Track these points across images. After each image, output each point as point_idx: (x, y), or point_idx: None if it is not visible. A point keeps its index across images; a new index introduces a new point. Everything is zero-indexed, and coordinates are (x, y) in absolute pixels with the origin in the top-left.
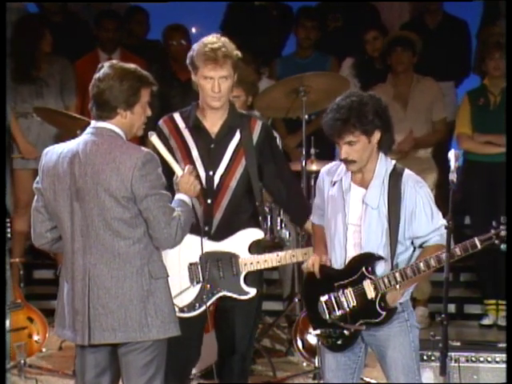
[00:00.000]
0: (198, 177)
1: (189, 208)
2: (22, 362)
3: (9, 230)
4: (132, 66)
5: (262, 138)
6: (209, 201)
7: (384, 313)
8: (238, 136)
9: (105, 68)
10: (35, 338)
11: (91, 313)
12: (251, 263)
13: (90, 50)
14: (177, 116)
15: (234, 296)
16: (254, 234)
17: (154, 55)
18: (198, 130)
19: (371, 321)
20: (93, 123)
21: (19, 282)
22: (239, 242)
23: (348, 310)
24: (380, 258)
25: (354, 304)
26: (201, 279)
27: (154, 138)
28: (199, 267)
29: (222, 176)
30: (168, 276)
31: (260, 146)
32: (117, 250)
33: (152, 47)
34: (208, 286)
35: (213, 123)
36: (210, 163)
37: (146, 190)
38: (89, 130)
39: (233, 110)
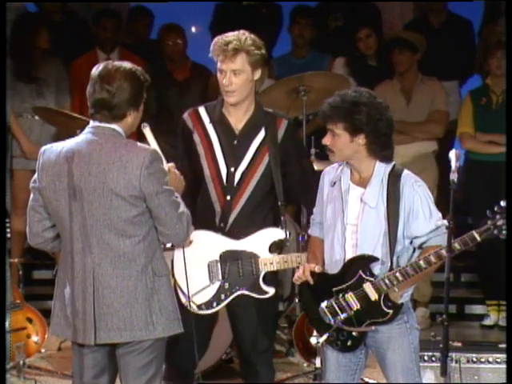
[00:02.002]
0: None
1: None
2: (21, 362)
3: (8, 230)
4: (131, 64)
5: (288, 137)
6: (228, 197)
7: (391, 311)
8: (262, 134)
9: (108, 69)
10: (34, 338)
11: (96, 312)
12: (271, 263)
13: (89, 50)
14: (202, 110)
15: (253, 295)
16: (275, 233)
17: (153, 55)
18: (222, 125)
19: (378, 320)
20: (92, 123)
21: (18, 282)
22: (260, 242)
23: (352, 312)
24: (375, 259)
25: (358, 307)
26: (220, 277)
27: (147, 131)
28: (219, 265)
29: (243, 173)
30: (170, 273)
31: (285, 144)
32: (122, 249)
33: (151, 47)
34: (227, 284)
35: (238, 119)
36: (232, 159)
37: (156, 188)
38: (88, 129)
39: (259, 108)
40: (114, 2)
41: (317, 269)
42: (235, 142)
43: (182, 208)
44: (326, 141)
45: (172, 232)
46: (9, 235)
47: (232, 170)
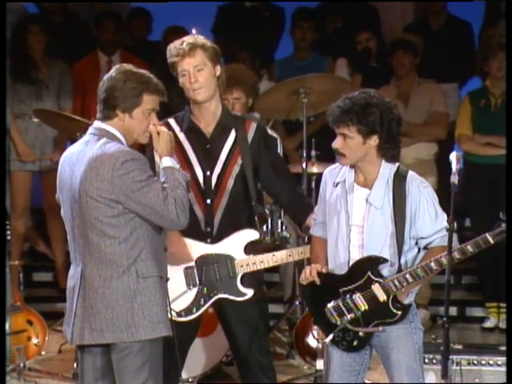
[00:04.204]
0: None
1: (175, 175)
2: (22, 365)
3: (9, 232)
4: (142, 71)
5: (257, 139)
6: (208, 201)
7: (399, 312)
8: (233, 136)
9: (113, 69)
10: (34, 341)
11: (82, 313)
12: (247, 264)
13: (90, 52)
14: (172, 121)
15: (231, 298)
16: (250, 234)
17: (155, 57)
18: (192, 131)
19: (386, 321)
20: (94, 123)
21: (18, 284)
22: (235, 244)
23: (359, 313)
24: (384, 260)
25: (366, 308)
26: (197, 283)
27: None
28: (195, 271)
29: (219, 176)
30: (158, 275)
31: (255, 146)
32: (103, 250)
33: (152, 48)
34: (205, 288)
35: (207, 124)
36: (207, 163)
37: (130, 187)
38: (89, 130)
39: (226, 111)
40: (116, 3)
41: (324, 269)
42: (208, 145)
43: (168, 195)
44: (338, 145)
45: (166, 223)
46: (9, 237)
47: (208, 173)
